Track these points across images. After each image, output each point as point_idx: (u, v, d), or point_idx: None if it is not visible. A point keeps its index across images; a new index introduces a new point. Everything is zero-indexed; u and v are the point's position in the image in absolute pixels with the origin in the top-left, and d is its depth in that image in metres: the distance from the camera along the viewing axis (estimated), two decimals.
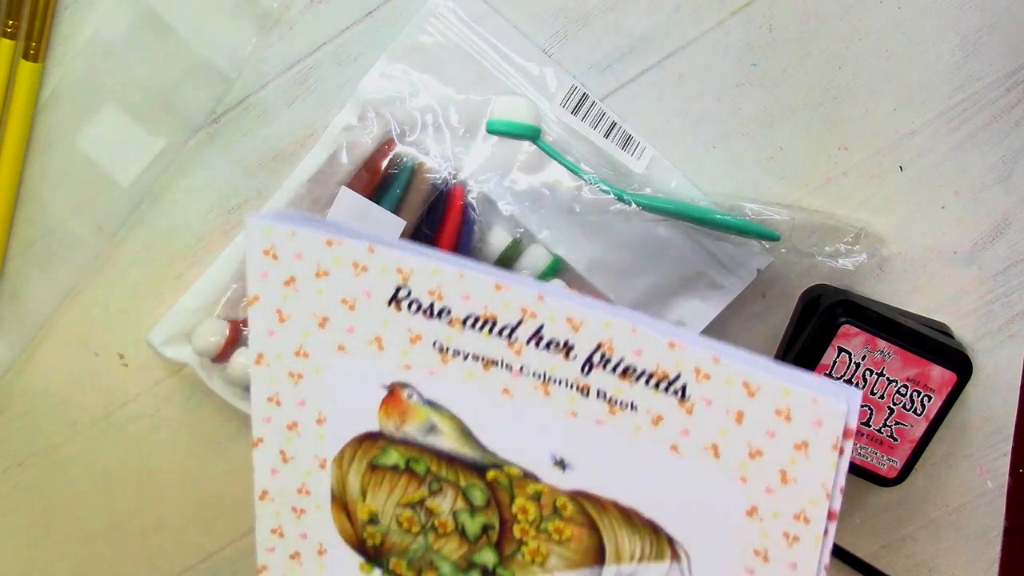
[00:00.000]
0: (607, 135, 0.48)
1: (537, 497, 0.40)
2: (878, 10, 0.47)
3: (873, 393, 0.48)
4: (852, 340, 0.47)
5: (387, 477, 0.42)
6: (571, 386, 0.38)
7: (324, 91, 0.49)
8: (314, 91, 0.49)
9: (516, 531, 0.41)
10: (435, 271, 0.38)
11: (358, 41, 0.48)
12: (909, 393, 0.47)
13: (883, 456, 0.49)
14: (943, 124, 0.48)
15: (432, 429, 0.41)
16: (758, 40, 0.47)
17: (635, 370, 0.37)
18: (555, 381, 0.38)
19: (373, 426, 0.41)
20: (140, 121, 0.50)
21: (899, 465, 0.49)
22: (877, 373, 0.47)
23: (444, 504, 0.41)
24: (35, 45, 0.48)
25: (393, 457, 0.41)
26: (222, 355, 0.50)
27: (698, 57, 0.48)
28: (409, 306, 0.39)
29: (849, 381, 0.47)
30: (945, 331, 0.50)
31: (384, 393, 0.41)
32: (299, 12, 0.48)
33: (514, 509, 0.41)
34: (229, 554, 0.55)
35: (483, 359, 0.39)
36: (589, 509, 0.40)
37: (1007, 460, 0.51)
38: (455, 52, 0.48)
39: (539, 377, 0.39)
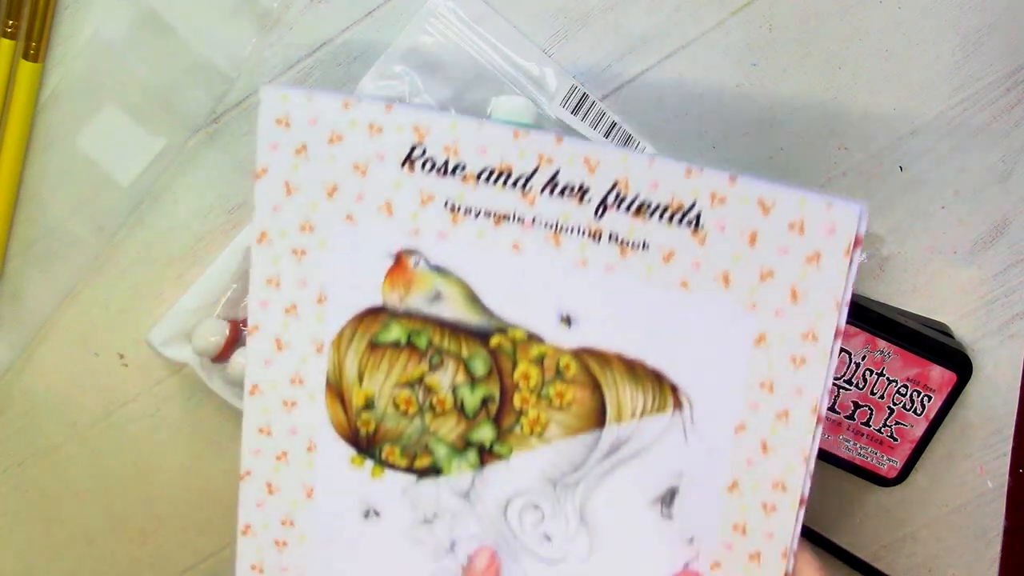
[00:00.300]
0: (607, 135, 0.48)
1: (540, 360, 0.41)
2: (878, 10, 0.47)
3: (873, 393, 0.48)
4: (852, 340, 0.47)
5: (386, 355, 0.42)
6: (583, 232, 0.39)
7: None
8: None
9: (516, 400, 0.41)
10: (453, 125, 0.39)
11: (358, 41, 0.48)
12: (909, 393, 0.47)
13: (883, 456, 0.49)
14: (943, 124, 0.48)
15: (437, 297, 0.41)
16: (758, 40, 0.47)
17: (649, 205, 0.38)
18: (567, 230, 0.39)
19: (376, 300, 0.41)
20: (140, 121, 0.50)
21: (899, 465, 0.49)
22: (877, 373, 0.47)
23: (444, 379, 0.41)
24: (35, 45, 0.48)
25: (394, 332, 0.41)
26: (222, 355, 0.50)
27: (698, 57, 0.48)
28: (423, 165, 0.39)
29: (849, 381, 0.47)
30: (945, 331, 0.50)
31: (390, 263, 0.41)
32: (299, 12, 0.48)
33: (516, 376, 0.41)
34: (229, 554, 0.55)
35: (495, 215, 0.39)
36: (592, 366, 0.40)
37: (1007, 460, 0.51)
38: (455, 52, 0.48)
39: (551, 227, 0.39)
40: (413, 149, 0.39)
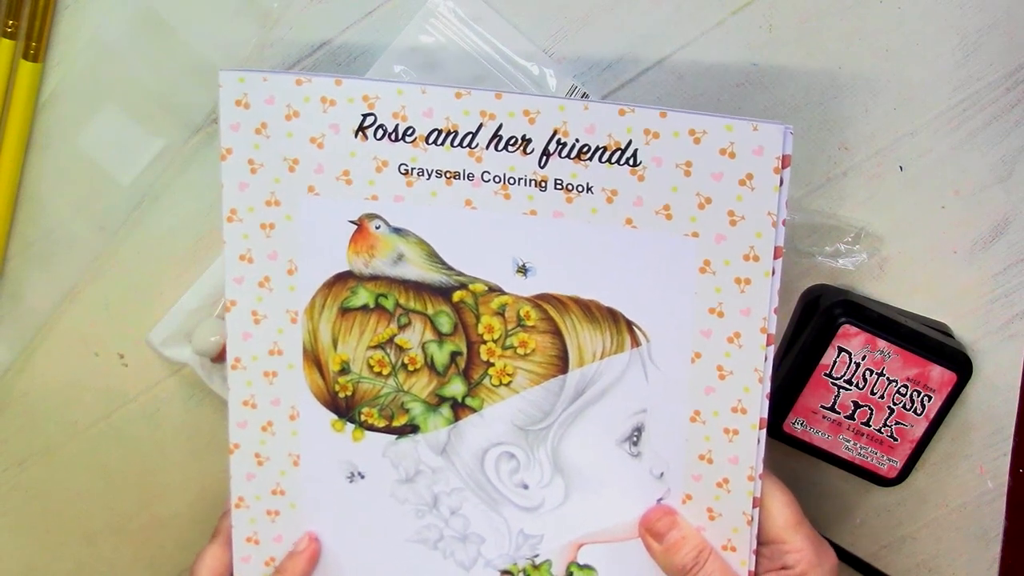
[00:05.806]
0: None
1: (502, 311, 0.43)
2: (878, 10, 0.47)
3: (873, 393, 0.48)
4: (852, 340, 0.47)
5: (357, 320, 0.43)
6: (529, 183, 0.41)
7: None
8: None
9: (483, 353, 0.43)
10: (399, 91, 0.41)
11: (358, 41, 0.48)
12: (909, 393, 0.47)
13: (883, 456, 0.49)
14: (943, 124, 0.48)
15: (400, 258, 0.43)
16: (758, 40, 0.47)
17: (589, 148, 0.40)
18: (514, 181, 0.41)
19: (343, 266, 0.43)
20: (140, 121, 0.50)
21: (899, 465, 0.49)
22: (877, 373, 0.47)
23: (413, 337, 0.43)
24: (35, 45, 0.48)
25: (362, 296, 0.43)
26: (222, 355, 0.50)
27: (698, 57, 0.48)
28: (375, 133, 0.41)
29: (849, 381, 0.47)
30: (945, 331, 0.50)
31: (353, 229, 0.42)
32: (299, 12, 0.48)
33: (480, 329, 0.43)
34: None
35: (446, 174, 0.41)
36: (551, 312, 0.42)
37: (1007, 460, 0.51)
38: (455, 52, 0.48)
39: (499, 181, 0.41)
40: (364, 118, 0.41)
